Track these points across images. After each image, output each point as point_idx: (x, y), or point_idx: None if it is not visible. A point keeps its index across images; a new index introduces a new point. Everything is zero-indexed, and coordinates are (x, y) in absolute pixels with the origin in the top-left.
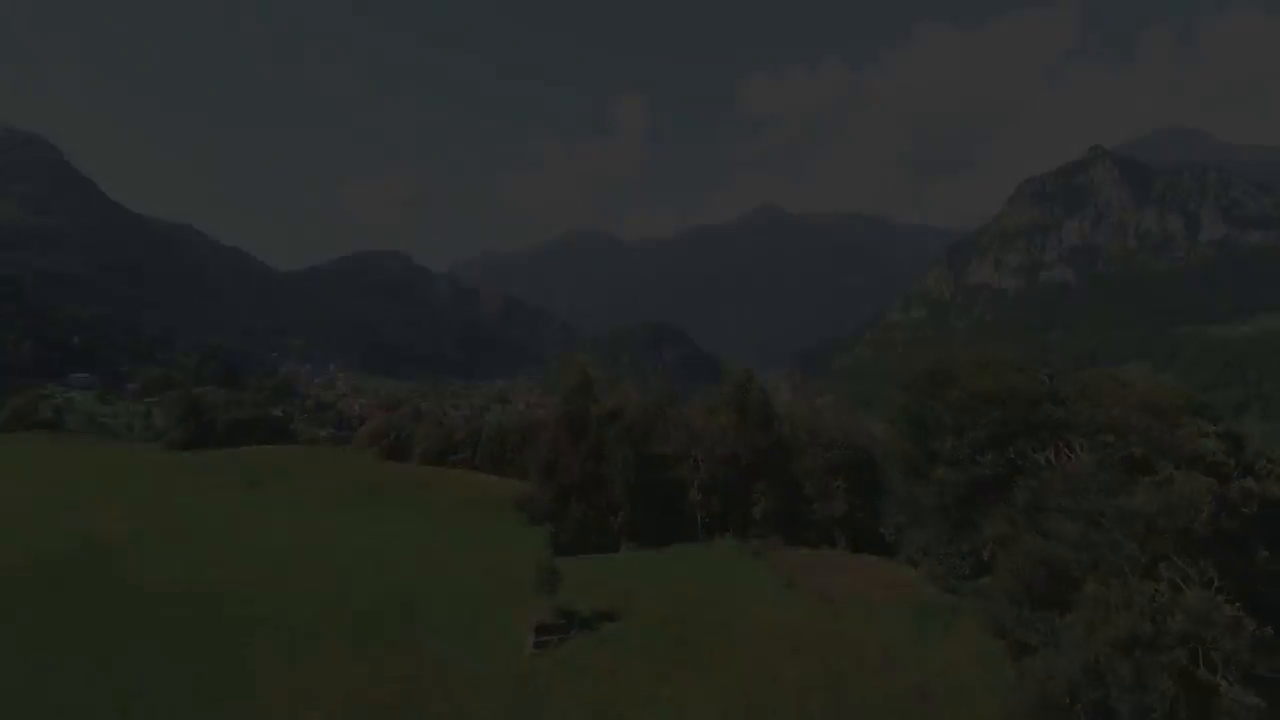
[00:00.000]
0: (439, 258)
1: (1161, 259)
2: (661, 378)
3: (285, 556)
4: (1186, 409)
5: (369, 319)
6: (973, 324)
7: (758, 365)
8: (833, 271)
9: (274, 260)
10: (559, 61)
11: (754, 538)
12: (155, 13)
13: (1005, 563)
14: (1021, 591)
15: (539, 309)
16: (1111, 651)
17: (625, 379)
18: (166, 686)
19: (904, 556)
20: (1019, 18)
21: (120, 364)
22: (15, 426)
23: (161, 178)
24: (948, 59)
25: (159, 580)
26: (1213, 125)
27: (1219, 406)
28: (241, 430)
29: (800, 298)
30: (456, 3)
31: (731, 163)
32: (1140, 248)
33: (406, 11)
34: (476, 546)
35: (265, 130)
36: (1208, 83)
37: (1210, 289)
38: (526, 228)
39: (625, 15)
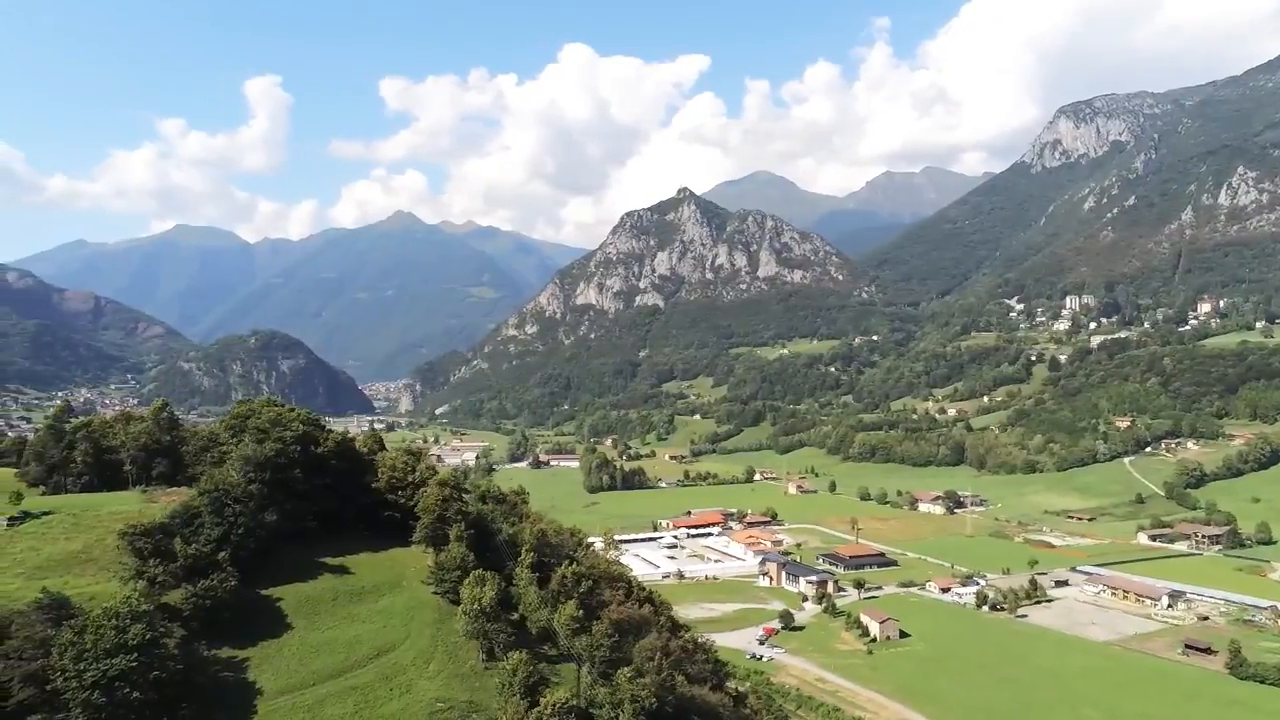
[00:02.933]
0: (12, 245)
1: (729, 290)
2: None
3: None
4: None
5: None
6: (578, 341)
7: (381, 375)
8: (464, 283)
9: None
10: (185, 37)
11: None
12: None
13: None
14: None
15: (137, 311)
16: None
17: (236, 390)
18: None
19: None
20: (653, 64)
21: None
22: None
23: None
24: (593, 86)
25: None
26: (794, 173)
27: (748, 414)
28: None
29: (431, 308)
30: None
31: (370, 163)
32: (715, 279)
33: None
34: None
35: None
36: (793, 137)
37: (761, 317)
38: (130, 217)
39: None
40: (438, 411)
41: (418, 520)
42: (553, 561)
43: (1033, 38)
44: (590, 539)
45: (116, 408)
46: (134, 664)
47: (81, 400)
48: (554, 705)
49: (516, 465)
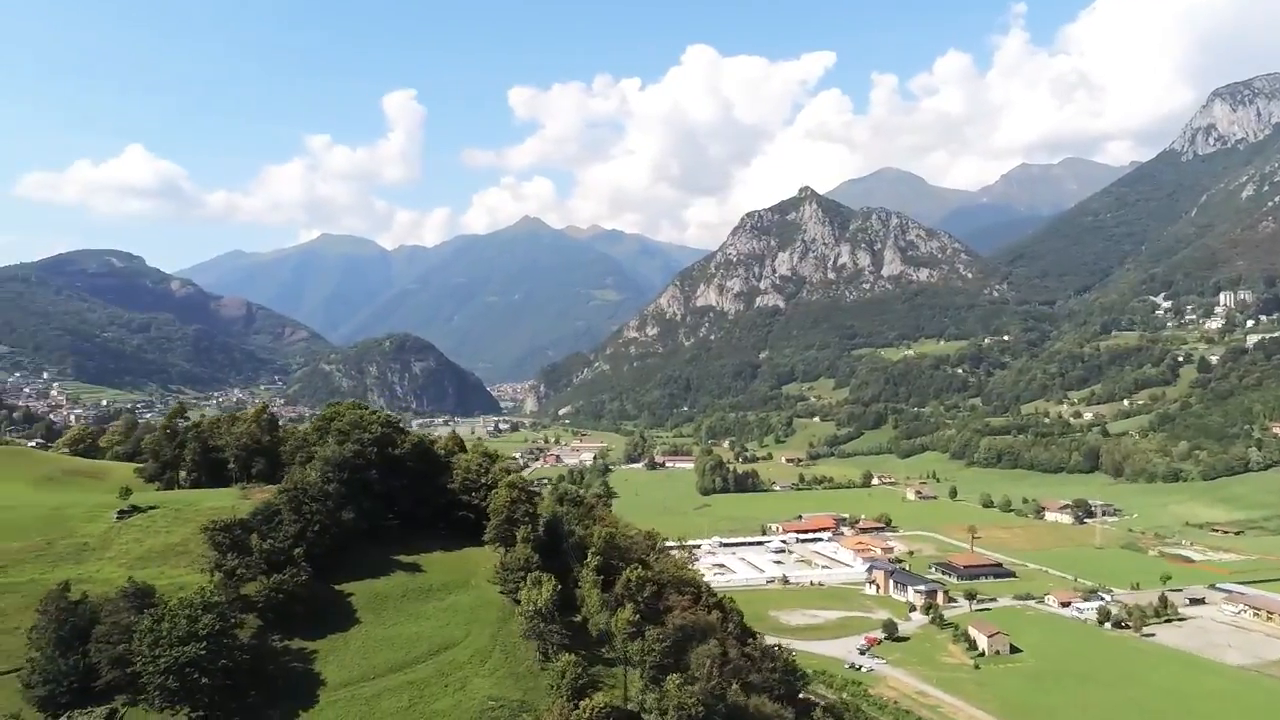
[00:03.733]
0: (178, 257)
1: (852, 289)
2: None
3: None
4: None
5: (88, 324)
6: (698, 343)
7: (510, 377)
8: (589, 286)
9: None
10: (327, 51)
11: None
12: None
13: None
14: None
15: (285, 317)
16: None
17: (372, 390)
18: None
19: None
20: (778, 63)
21: None
22: None
23: None
24: (716, 87)
25: None
26: (923, 168)
27: (869, 417)
28: None
29: (558, 311)
30: None
31: (499, 171)
32: (837, 279)
33: None
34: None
35: None
36: (922, 131)
37: (885, 317)
38: (282, 229)
39: (397, 6)
40: (560, 412)
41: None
42: (620, 565)
43: (1185, 14)
44: (695, 542)
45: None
46: (203, 652)
47: (234, 400)
48: (593, 709)
49: (633, 466)
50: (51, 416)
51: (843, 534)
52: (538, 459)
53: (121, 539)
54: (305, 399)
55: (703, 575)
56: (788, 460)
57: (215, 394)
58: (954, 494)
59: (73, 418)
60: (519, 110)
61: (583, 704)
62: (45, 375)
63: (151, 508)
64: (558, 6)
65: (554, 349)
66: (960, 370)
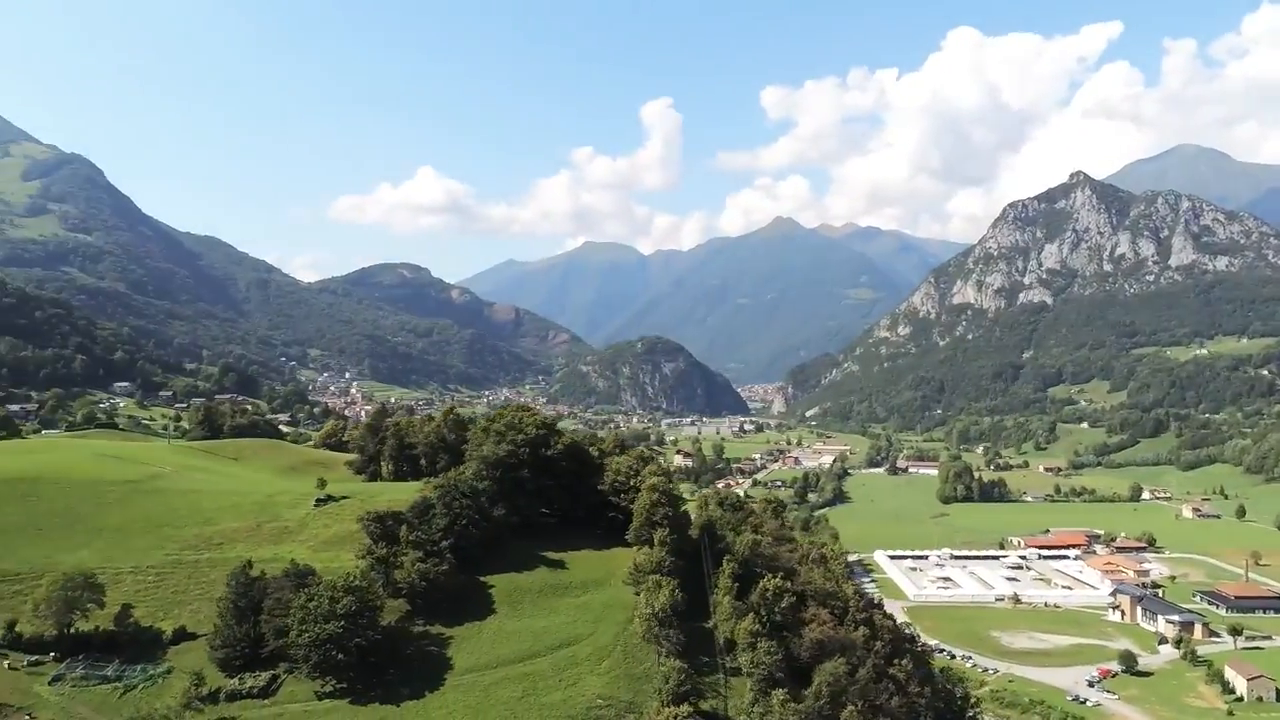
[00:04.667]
0: (460, 267)
1: (1132, 282)
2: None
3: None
4: None
5: (383, 330)
6: (954, 342)
7: (762, 378)
8: (842, 286)
9: (298, 270)
10: (589, 69)
11: None
12: (184, 30)
13: None
14: None
15: (550, 321)
16: None
17: (625, 390)
18: None
19: None
20: (1053, 39)
21: (153, 374)
22: (85, 425)
23: (192, 189)
24: (981, 70)
25: (176, 490)
26: (1229, 142)
27: (1146, 424)
28: (241, 431)
29: (810, 311)
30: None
31: (753, 172)
32: (1114, 271)
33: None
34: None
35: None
36: (1228, 100)
37: (1174, 312)
38: (550, 238)
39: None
40: (807, 414)
41: None
42: (763, 573)
43: None
44: (921, 553)
45: (529, 404)
46: (341, 630)
47: (502, 398)
48: (679, 716)
49: (873, 470)
50: (346, 412)
51: (1094, 553)
52: (776, 460)
53: (314, 524)
54: (565, 398)
55: (871, 588)
56: (1046, 469)
57: (486, 392)
58: (1241, 513)
59: (363, 413)
60: (772, 110)
61: (666, 710)
62: (347, 375)
63: (344, 498)
64: (811, 4)
65: (805, 349)
66: (1266, 372)
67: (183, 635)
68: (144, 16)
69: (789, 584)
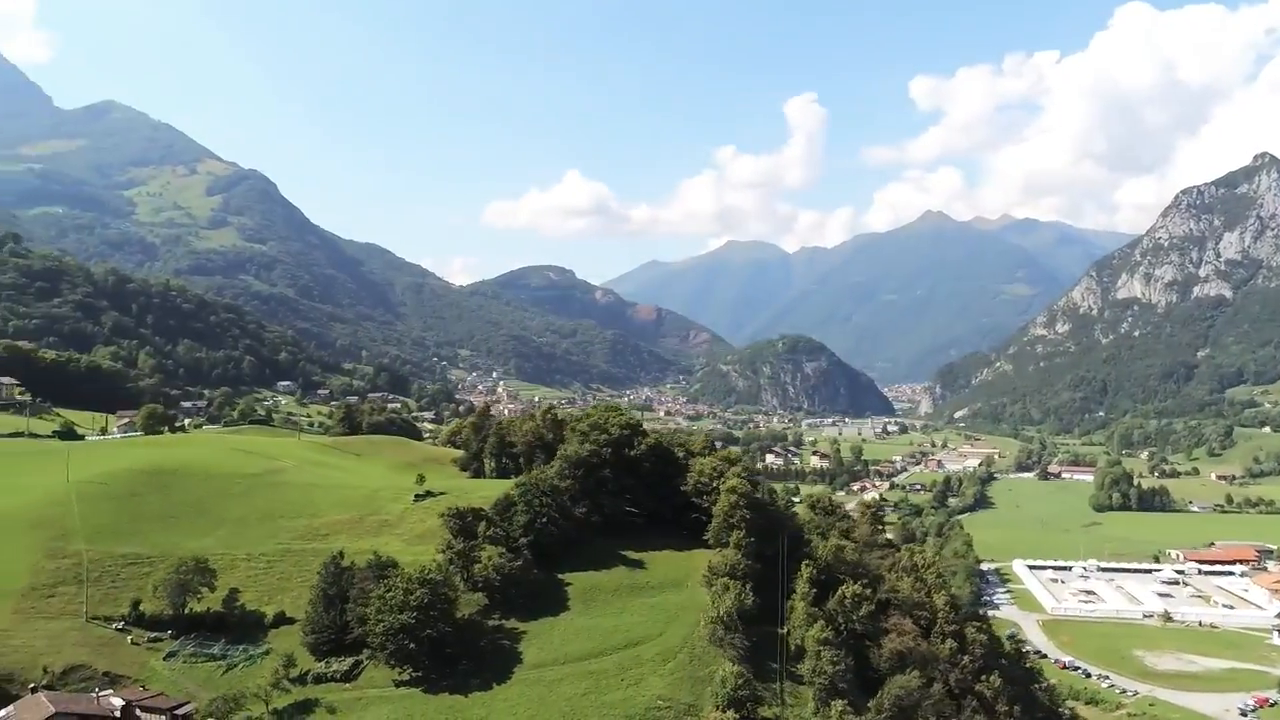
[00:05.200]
0: (605, 268)
1: None
2: None
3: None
4: None
5: (529, 330)
6: (1118, 340)
7: (910, 378)
8: (996, 281)
9: (453, 273)
10: (730, 69)
11: None
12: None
13: None
14: None
15: (691, 320)
16: None
17: (765, 390)
18: None
19: None
20: (1238, 9)
21: (313, 374)
22: (241, 421)
23: (356, 200)
24: (1154, 47)
25: (294, 484)
26: None
27: None
28: (378, 428)
29: (962, 308)
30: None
31: (901, 165)
32: None
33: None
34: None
35: (447, 151)
36: None
37: None
38: (693, 238)
39: (795, 18)
40: (956, 415)
41: None
42: (845, 579)
43: None
44: (1064, 563)
45: (668, 404)
46: (412, 621)
47: (643, 397)
48: None
49: (1022, 475)
50: (492, 410)
51: (1264, 569)
52: (918, 463)
53: (411, 518)
54: (705, 397)
55: (1003, 598)
56: (1218, 477)
57: (627, 392)
58: None
59: (506, 411)
60: (921, 101)
61: (716, 715)
62: (494, 374)
63: (441, 493)
64: None
65: (956, 348)
66: None
67: (282, 619)
68: (315, 43)
69: (870, 591)
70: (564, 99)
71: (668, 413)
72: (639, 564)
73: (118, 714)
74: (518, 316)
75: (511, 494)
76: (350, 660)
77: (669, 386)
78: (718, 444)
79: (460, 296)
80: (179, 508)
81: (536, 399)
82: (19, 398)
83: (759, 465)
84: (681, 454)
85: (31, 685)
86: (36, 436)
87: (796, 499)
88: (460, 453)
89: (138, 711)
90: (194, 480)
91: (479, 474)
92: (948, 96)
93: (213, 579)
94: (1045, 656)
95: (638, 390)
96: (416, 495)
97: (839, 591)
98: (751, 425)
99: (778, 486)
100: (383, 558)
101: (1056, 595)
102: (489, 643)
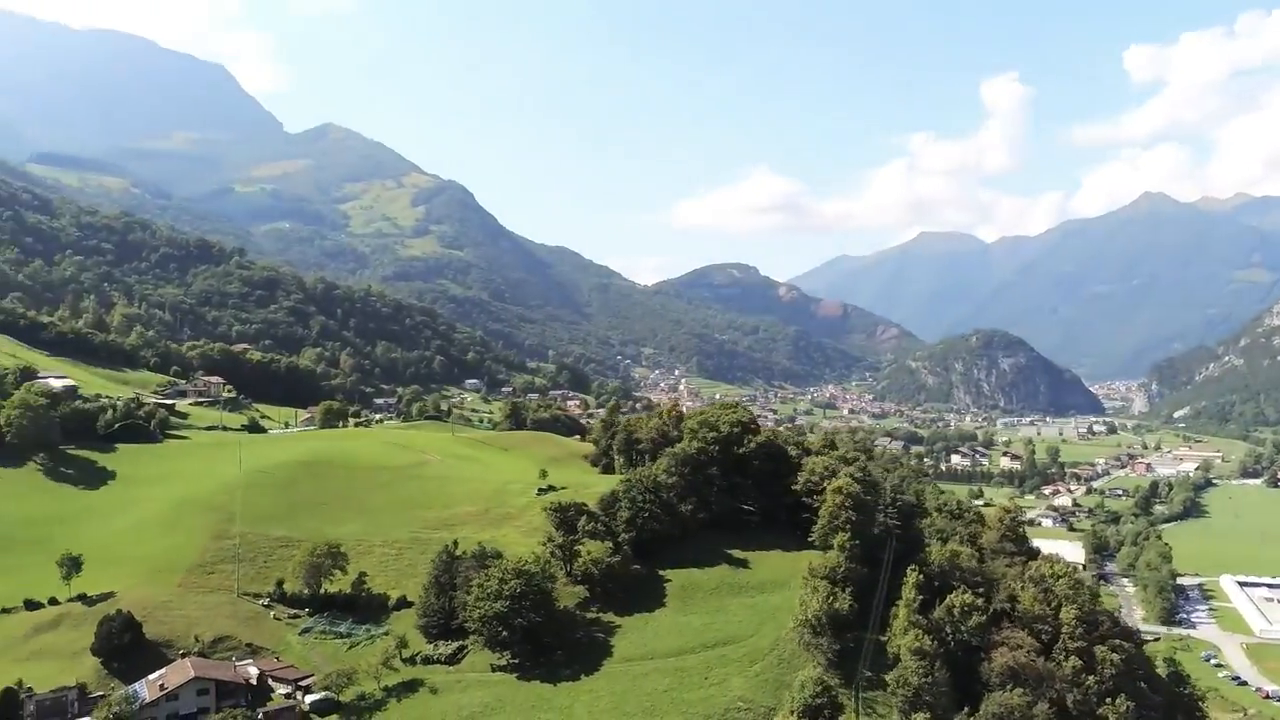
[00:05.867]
0: (790, 264)
1: None
2: None
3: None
4: None
5: (711, 328)
6: None
7: (1123, 374)
8: (1228, 267)
9: (643, 273)
10: (922, 50)
11: None
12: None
13: None
14: None
15: (878, 316)
16: None
17: (956, 388)
18: None
19: None
20: None
21: (498, 372)
22: (420, 416)
23: (547, 205)
24: None
25: (433, 476)
26: None
27: None
28: (541, 424)
29: (1186, 298)
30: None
31: (1114, 145)
32: None
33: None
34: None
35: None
36: None
37: None
38: (881, 230)
39: None
40: (1175, 415)
41: None
42: (959, 587)
43: None
44: (1266, 580)
45: (852, 402)
46: (506, 609)
47: (827, 395)
48: None
49: (1247, 482)
50: (680, 406)
51: None
52: (1124, 466)
53: (531, 511)
54: (892, 395)
55: (1203, 617)
56: None
57: (810, 389)
58: None
59: (685, 408)
60: (1136, 72)
61: None
62: (676, 372)
63: (563, 488)
64: None
65: (1179, 341)
66: None
67: (403, 603)
68: (518, 60)
69: (984, 602)
70: (752, 95)
71: (851, 410)
72: (743, 563)
73: (253, 681)
74: (700, 314)
75: (617, 490)
76: (455, 644)
77: (854, 384)
78: (898, 444)
79: (644, 296)
80: (329, 495)
81: (717, 396)
82: (225, 394)
83: (942, 466)
84: (795, 452)
85: (182, 650)
86: (229, 430)
87: (979, 501)
88: (591, 449)
89: (269, 680)
90: (346, 471)
91: (609, 469)
92: (1169, 65)
93: (344, 562)
94: (1245, 684)
95: (821, 388)
96: (539, 489)
97: (948, 600)
98: (941, 424)
99: (960, 490)
100: (488, 549)
101: (1270, 616)
102: (584, 634)
